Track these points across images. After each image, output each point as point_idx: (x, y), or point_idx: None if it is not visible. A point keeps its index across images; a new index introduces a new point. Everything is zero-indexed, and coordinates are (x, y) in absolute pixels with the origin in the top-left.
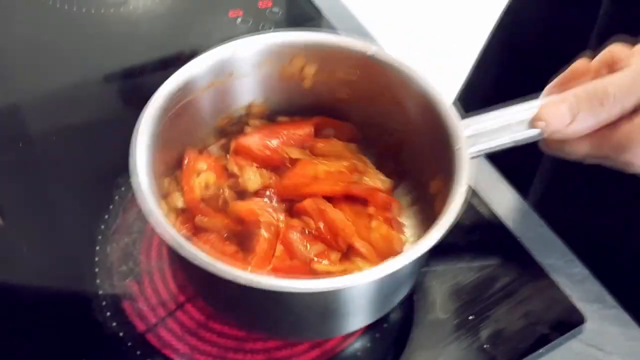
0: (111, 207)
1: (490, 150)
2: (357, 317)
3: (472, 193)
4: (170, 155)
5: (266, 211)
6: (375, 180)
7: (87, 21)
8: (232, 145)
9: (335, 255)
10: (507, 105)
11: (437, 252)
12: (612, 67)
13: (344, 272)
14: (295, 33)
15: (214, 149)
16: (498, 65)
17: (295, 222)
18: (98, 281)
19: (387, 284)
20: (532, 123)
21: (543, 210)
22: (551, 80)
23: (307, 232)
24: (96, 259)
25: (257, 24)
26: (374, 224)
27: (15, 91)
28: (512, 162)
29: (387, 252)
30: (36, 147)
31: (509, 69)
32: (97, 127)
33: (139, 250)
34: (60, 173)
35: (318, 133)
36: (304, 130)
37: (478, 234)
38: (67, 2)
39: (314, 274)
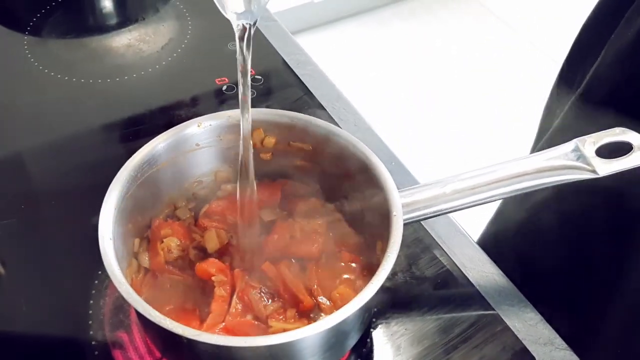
0: None
1: (425, 217)
2: None
3: (435, 245)
4: (141, 217)
5: (221, 271)
6: (348, 238)
7: (85, 90)
8: (204, 209)
9: (291, 312)
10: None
11: (402, 300)
12: None
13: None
14: (254, 110)
15: (183, 211)
16: None
17: (255, 281)
18: (91, 332)
19: (325, 340)
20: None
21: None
22: None
23: (265, 291)
24: (90, 311)
25: None
26: (337, 281)
27: (18, 154)
28: None
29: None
30: (36, 206)
31: None
32: (93, 189)
33: (129, 304)
34: (59, 232)
35: (284, 195)
36: (271, 192)
37: (440, 282)
38: (67, 74)
39: (269, 329)
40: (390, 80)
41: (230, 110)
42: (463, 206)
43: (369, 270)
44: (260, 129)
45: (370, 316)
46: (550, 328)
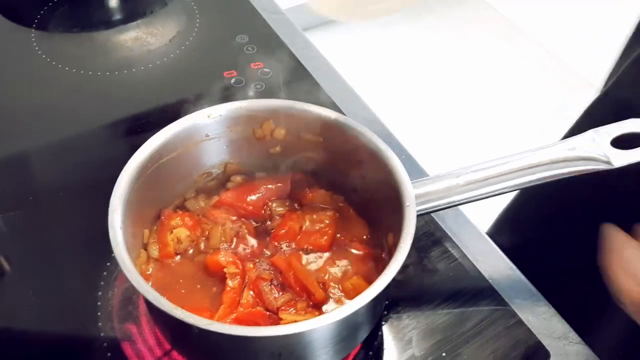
0: (113, 255)
1: (438, 208)
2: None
3: (447, 238)
4: (150, 208)
5: (232, 262)
6: (359, 230)
7: (92, 83)
8: (214, 200)
9: (302, 304)
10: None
11: (413, 293)
12: None
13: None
14: (265, 100)
15: (193, 202)
16: None
17: (266, 273)
18: (100, 324)
19: (337, 331)
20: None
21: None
22: None
23: (276, 283)
24: (98, 303)
25: (250, 83)
26: (349, 273)
27: (24, 147)
28: None
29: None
30: (45, 199)
31: None
32: (101, 181)
33: (138, 295)
34: (67, 225)
35: (293, 187)
36: (280, 185)
37: (451, 276)
38: (76, 67)
39: (279, 321)
40: (397, 77)
41: (241, 101)
42: (476, 198)
43: (381, 262)
44: (270, 120)
45: (382, 309)
46: (564, 322)
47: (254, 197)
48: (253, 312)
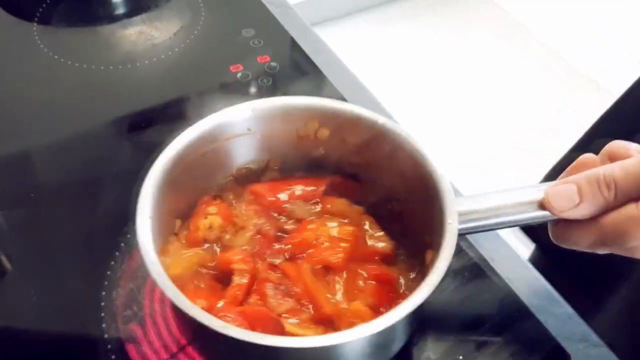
0: (117, 254)
1: (484, 228)
2: None
3: (462, 237)
4: (185, 198)
5: (243, 260)
6: (379, 243)
7: (96, 77)
8: (246, 191)
9: (305, 316)
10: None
11: (427, 295)
12: (613, 160)
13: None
14: (311, 99)
15: (229, 196)
16: None
17: (273, 276)
18: (104, 325)
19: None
20: (540, 204)
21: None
22: None
23: (283, 288)
24: (102, 303)
25: (256, 78)
26: (357, 292)
27: (27, 144)
28: None
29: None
30: (47, 196)
31: None
32: (105, 178)
33: (143, 295)
34: (71, 222)
35: (329, 192)
36: (315, 187)
37: (467, 276)
38: (79, 61)
39: (283, 330)
40: (401, 74)
41: (286, 97)
42: (526, 221)
43: (392, 286)
44: (315, 120)
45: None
46: (585, 323)
47: (283, 196)
48: (258, 310)
